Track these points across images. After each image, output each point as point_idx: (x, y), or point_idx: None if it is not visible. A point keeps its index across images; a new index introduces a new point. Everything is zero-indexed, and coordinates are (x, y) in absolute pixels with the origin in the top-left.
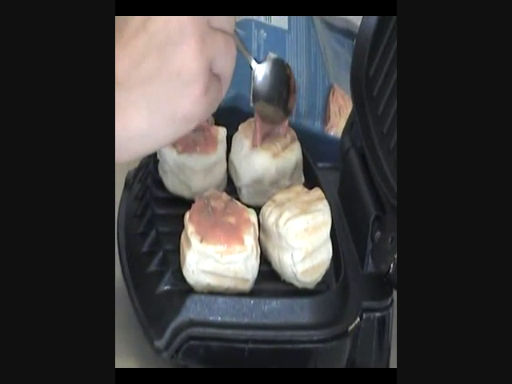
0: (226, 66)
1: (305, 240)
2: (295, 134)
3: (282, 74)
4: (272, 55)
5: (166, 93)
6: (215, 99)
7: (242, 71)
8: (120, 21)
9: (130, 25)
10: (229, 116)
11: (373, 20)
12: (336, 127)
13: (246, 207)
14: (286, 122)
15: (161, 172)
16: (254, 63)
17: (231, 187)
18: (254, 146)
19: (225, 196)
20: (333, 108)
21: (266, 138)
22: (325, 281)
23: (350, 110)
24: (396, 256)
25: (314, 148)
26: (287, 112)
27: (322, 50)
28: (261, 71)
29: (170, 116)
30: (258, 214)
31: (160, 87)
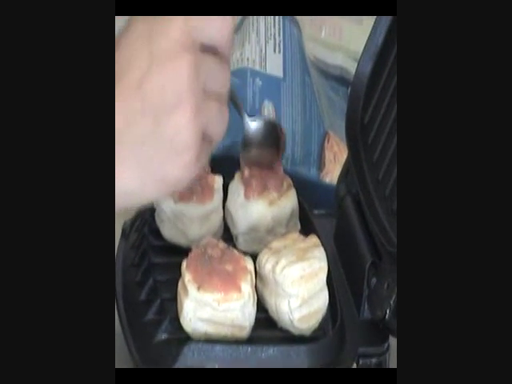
0: (218, 131)
1: (301, 287)
2: (291, 182)
3: (273, 135)
4: (267, 104)
5: (158, 156)
6: (205, 162)
7: (237, 120)
8: (116, 74)
9: (125, 81)
10: (225, 164)
11: (367, 67)
12: (331, 174)
13: (242, 255)
14: (281, 170)
15: (158, 221)
16: (246, 118)
17: (228, 235)
18: (246, 198)
19: (221, 244)
20: (328, 155)
21: (261, 191)
22: (321, 327)
23: (345, 157)
24: (392, 302)
25: (309, 195)
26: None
27: (316, 98)
28: (253, 127)
29: (160, 178)
30: (254, 262)
31: (152, 150)
